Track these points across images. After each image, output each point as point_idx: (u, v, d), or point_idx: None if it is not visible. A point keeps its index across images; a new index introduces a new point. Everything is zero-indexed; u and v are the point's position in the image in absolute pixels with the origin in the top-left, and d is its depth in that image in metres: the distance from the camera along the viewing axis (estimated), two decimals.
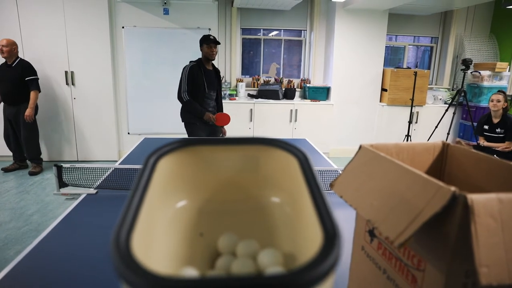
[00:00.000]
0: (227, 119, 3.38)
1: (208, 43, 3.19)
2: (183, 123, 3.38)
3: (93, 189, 1.82)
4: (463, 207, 0.47)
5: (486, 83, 5.23)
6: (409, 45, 6.02)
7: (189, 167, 0.45)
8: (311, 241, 0.32)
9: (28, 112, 4.11)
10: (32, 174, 4.30)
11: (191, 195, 0.46)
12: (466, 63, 4.68)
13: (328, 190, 1.67)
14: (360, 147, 0.76)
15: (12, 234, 2.90)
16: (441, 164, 0.84)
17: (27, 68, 4.18)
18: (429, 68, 6.12)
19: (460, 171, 0.79)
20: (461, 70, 4.76)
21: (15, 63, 4.16)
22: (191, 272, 0.34)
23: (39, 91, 4.26)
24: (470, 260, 0.52)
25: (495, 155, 3.29)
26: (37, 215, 3.24)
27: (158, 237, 0.37)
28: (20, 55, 4.52)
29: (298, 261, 0.35)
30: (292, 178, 0.41)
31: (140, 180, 0.36)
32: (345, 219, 1.28)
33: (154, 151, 0.41)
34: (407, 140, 5.16)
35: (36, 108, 4.30)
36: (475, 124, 4.54)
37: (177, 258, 0.38)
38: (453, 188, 0.48)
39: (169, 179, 0.43)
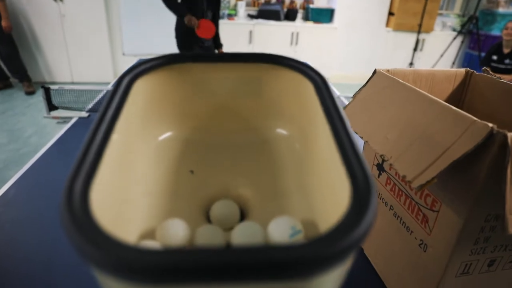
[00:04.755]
0: (211, 30, 2.97)
1: None
2: (176, 39, 3.11)
3: (85, 112, 1.73)
4: (499, 147, 0.41)
5: (501, 10, 4.89)
6: None
7: (175, 90, 0.37)
8: (328, 192, 0.25)
9: (6, 23, 3.69)
10: (30, 93, 4.05)
11: (178, 124, 0.38)
12: None
13: None
14: (375, 72, 0.67)
15: (11, 155, 2.87)
16: (461, 94, 0.76)
17: None
18: None
19: (482, 103, 0.72)
20: None
21: None
22: (180, 228, 0.27)
23: (2, 0, 3.75)
24: (495, 205, 0.47)
25: None
26: (34, 137, 3.19)
27: (137, 180, 0.30)
28: None
29: (308, 215, 0.29)
30: (305, 108, 0.33)
31: (108, 106, 0.28)
32: None
33: (130, 69, 0.33)
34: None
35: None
36: (482, 54, 4.34)
37: (163, 205, 0.32)
38: (490, 124, 0.41)
39: (149, 104, 0.35)
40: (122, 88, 0.31)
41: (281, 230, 0.26)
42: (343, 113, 0.27)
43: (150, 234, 0.29)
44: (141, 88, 0.33)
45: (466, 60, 5.45)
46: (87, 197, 0.20)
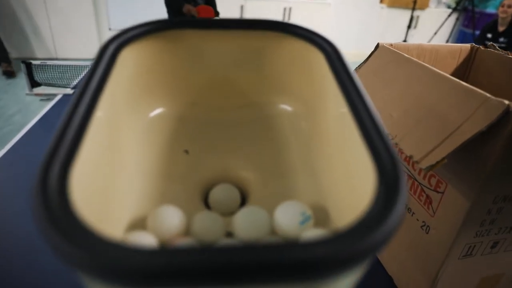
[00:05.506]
0: (210, 11, 2.91)
1: None
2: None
3: (70, 89, 1.67)
4: None
5: None
6: None
7: (168, 60, 0.33)
8: (341, 174, 0.23)
9: None
10: (9, 73, 3.74)
11: (170, 100, 0.35)
12: None
13: None
14: (378, 46, 0.64)
15: None
16: (465, 71, 0.73)
17: None
18: None
19: (487, 80, 0.69)
20: None
21: None
22: (174, 216, 0.24)
23: None
24: (504, 186, 0.45)
25: None
26: (18, 115, 3.08)
27: (124, 162, 0.27)
28: None
29: (316, 198, 0.26)
30: (313, 81, 0.30)
31: (90, 79, 0.24)
32: None
33: (115, 36, 0.29)
34: None
35: None
36: (476, 32, 4.30)
37: (155, 189, 0.29)
38: (507, 102, 0.38)
39: (138, 76, 0.32)
40: (106, 58, 0.27)
41: (289, 217, 0.23)
42: (362, 86, 0.24)
43: (140, 223, 0.26)
44: (128, 58, 0.29)
45: (459, 38, 5.41)
46: (65, 185, 0.17)
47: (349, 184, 0.22)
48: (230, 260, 0.14)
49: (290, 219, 0.23)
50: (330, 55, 0.28)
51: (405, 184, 0.17)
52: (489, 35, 3.69)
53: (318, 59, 0.29)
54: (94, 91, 0.23)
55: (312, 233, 0.22)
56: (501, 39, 3.61)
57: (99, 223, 0.18)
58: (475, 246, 0.50)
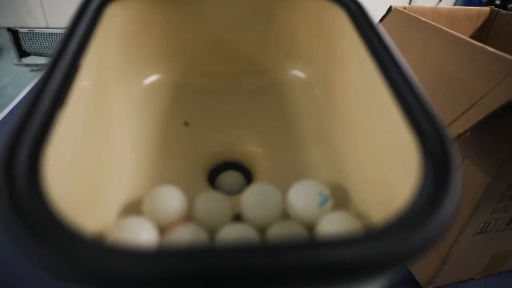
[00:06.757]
0: None
1: None
2: None
3: None
4: None
5: None
6: None
7: (163, 18, 0.29)
8: (366, 149, 0.19)
9: None
10: None
11: (167, 64, 0.31)
12: None
13: None
14: (390, 9, 0.59)
15: None
16: (483, 36, 0.69)
17: None
18: None
19: (507, 47, 0.65)
20: None
21: None
22: (174, 197, 0.21)
23: None
24: None
25: None
26: (9, 87, 2.99)
27: (114, 136, 0.24)
28: None
29: (332, 177, 0.23)
30: (331, 43, 0.26)
31: (68, 40, 0.20)
32: None
33: None
34: None
35: None
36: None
37: (150, 167, 0.25)
38: None
39: (129, 37, 0.28)
40: (89, 14, 0.23)
41: (306, 199, 0.20)
42: (396, 49, 0.21)
43: (135, 206, 0.23)
44: (115, 15, 0.25)
45: (465, 3, 5.23)
46: (37, 167, 0.14)
47: (376, 161, 0.19)
48: (247, 265, 0.11)
49: (307, 201, 0.20)
50: (354, 13, 0.24)
51: (458, 166, 0.14)
52: (498, 1, 3.56)
53: (339, 17, 0.25)
54: (73, 55, 0.20)
55: (333, 217, 0.19)
56: (511, 5, 3.49)
57: (84, 211, 0.16)
58: (490, 222, 0.48)
